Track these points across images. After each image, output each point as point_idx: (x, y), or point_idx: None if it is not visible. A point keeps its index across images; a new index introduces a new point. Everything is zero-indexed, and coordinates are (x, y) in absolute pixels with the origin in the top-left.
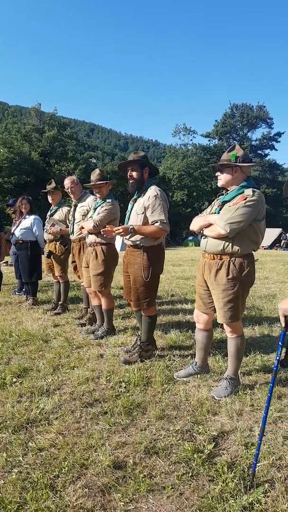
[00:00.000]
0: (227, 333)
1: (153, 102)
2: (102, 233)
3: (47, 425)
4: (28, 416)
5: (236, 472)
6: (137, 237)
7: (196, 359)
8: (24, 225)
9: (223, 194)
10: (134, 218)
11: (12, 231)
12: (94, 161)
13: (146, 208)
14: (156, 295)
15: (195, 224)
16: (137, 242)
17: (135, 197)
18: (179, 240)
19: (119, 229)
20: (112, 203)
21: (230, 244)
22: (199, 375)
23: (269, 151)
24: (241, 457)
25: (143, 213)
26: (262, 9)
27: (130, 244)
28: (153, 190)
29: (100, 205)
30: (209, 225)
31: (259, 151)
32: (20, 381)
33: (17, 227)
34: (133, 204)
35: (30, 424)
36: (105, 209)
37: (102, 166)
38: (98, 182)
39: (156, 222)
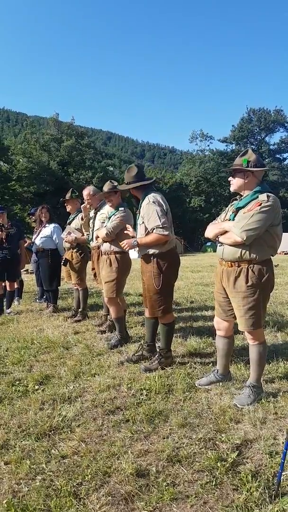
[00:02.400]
0: (248, 340)
1: (169, 109)
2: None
3: (69, 432)
4: (50, 423)
5: (260, 481)
6: (146, 248)
7: (217, 366)
8: (44, 233)
9: (236, 200)
10: (139, 229)
11: (33, 239)
12: (112, 169)
13: (143, 218)
14: (172, 302)
15: (210, 231)
16: (146, 251)
17: (139, 209)
18: (197, 246)
19: (124, 244)
20: (125, 211)
21: (248, 251)
22: (221, 383)
23: (287, 155)
24: (266, 466)
25: (143, 223)
26: (277, 12)
27: (142, 253)
28: (147, 198)
29: (114, 214)
30: (225, 232)
31: (277, 155)
32: (42, 389)
33: (37, 235)
34: (138, 215)
35: (52, 431)
36: (118, 217)
37: (119, 173)
38: (106, 192)
39: (153, 229)
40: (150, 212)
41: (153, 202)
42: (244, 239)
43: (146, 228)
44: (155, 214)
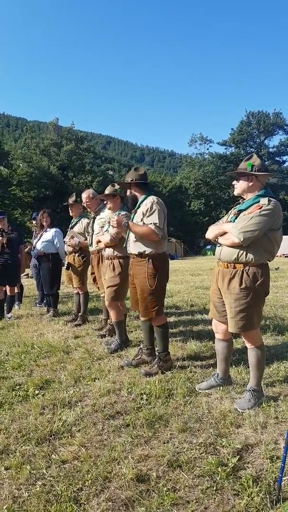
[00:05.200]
0: (246, 344)
1: (169, 113)
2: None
3: (69, 437)
4: (50, 428)
5: (261, 486)
6: (142, 246)
7: (217, 370)
8: (45, 238)
9: (240, 203)
10: None
11: (33, 244)
12: (111, 173)
13: (144, 214)
14: (164, 304)
15: (211, 232)
16: (142, 251)
17: (135, 208)
18: (197, 250)
19: (113, 219)
20: (126, 215)
21: (244, 253)
22: (221, 387)
23: (287, 157)
24: (267, 470)
25: (141, 220)
26: (276, 15)
27: (135, 254)
28: (150, 199)
29: None
30: (224, 233)
31: (277, 158)
32: (42, 393)
33: (38, 240)
34: (134, 215)
35: (53, 436)
36: None
37: (119, 177)
38: (106, 195)
39: (150, 224)
40: (152, 210)
41: (157, 203)
42: (242, 240)
43: (143, 224)
44: (156, 213)
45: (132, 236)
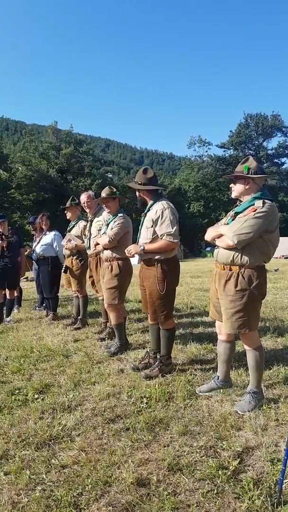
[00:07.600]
0: (244, 346)
1: (168, 116)
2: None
3: (69, 441)
4: (50, 432)
5: (262, 489)
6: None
7: (218, 373)
8: (44, 241)
9: (238, 205)
10: (144, 232)
11: (33, 247)
12: (110, 175)
13: (154, 222)
14: (173, 308)
15: (208, 234)
16: (151, 256)
17: (145, 211)
18: (196, 252)
19: (129, 249)
20: (124, 217)
21: (240, 255)
22: (221, 390)
23: (285, 159)
24: (267, 473)
25: (152, 227)
26: (275, 17)
27: (145, 258)
28: (160, 204)
29: (112, 220)
30: (220, 235)
31: (275, 160)
32: (42, 398)
33: (38, 243)
34: (144, 218)
35: (52, 441)
36: (118, 223)
37: (118, 180)
38: (105, 197)
39: (163, 235)
40: (164, 218)
41: (168, 208)
42: (236, 242)
43: (154, 232)
44: (168, 221)
45: (141, 241)
